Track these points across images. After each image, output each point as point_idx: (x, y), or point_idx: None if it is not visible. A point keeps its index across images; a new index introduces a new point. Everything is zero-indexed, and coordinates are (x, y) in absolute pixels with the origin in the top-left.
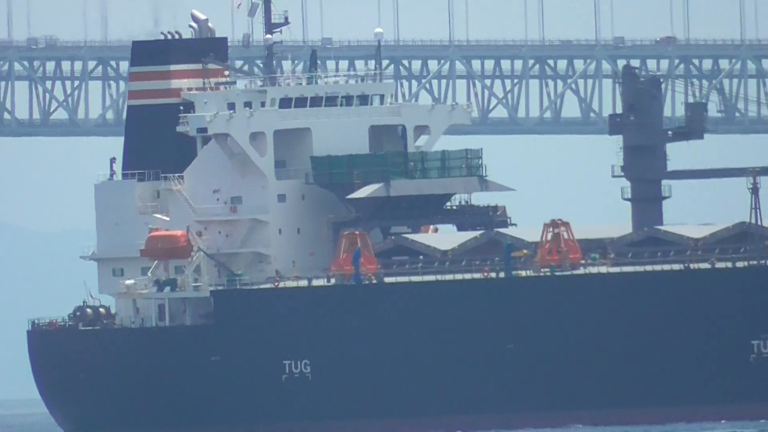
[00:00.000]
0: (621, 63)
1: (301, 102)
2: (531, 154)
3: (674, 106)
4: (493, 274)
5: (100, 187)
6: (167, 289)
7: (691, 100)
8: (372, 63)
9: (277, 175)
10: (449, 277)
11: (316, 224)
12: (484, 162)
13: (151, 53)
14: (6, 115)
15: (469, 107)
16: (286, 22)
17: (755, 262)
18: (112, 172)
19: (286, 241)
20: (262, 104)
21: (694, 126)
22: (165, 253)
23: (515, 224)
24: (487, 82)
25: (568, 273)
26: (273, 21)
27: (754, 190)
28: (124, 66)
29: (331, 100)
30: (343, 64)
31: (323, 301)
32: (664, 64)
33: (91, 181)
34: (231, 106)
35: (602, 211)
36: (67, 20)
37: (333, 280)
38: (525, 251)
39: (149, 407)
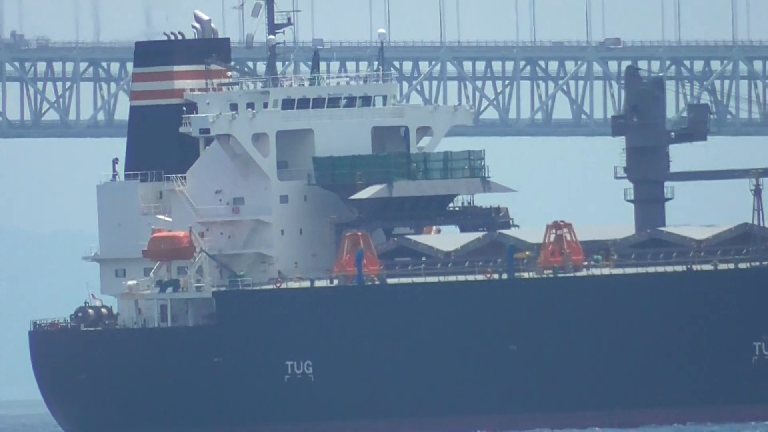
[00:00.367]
0: (612, 64)
1: (303, 103)
2: (523, 155)
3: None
4: (495, 276)
5: (102, 188)
6: (169, 289)
7: (682, 102)
8: (364, 65)
9: (279, 176)
10: (452, 278)
11: (319, 225)
12: (486, 163)
13: (153, 54)
14: None
15: (471, 109)
16: (289, 22)
17: (758, 264)
18: (115, 173)
19: (288, 242)
20: (265, 105)
21: (697, 127)
22: (167, 254)
23: (518, 226)
24: (479, 83)
25: (571, 274)
26: (276, 22)
27: (757, 192)
28: (116, 67)
29: (333, 101)
30: (335, 65)
31: (326, 302)
32: (655, 65)
33: (93, 181)
34: (233, 107)
35: (605, 213)
36: (59, 21)
37: (335, 281)
38: (528, 253)
39: (151, 408)
